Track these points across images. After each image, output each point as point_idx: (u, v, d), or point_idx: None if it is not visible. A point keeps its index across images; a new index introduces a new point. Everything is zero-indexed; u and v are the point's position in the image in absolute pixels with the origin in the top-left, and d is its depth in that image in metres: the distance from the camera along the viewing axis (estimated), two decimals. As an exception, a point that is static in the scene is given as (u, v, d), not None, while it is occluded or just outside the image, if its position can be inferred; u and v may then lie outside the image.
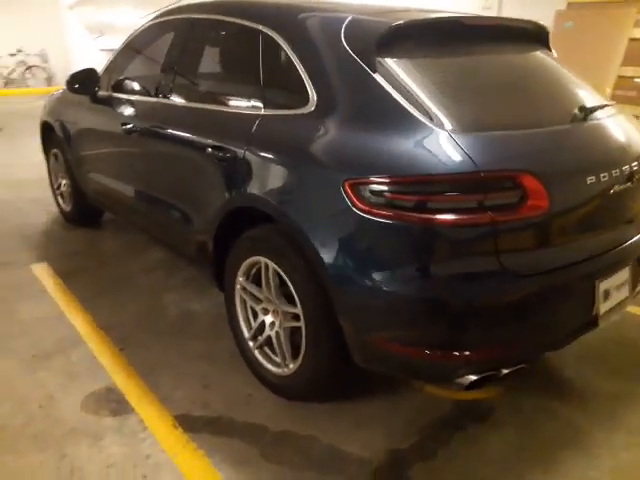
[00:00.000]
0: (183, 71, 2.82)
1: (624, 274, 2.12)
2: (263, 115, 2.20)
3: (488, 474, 1.94)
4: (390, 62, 1.90)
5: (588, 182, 1.83)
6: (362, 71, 1.90)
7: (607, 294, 2.03)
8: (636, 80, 7.26)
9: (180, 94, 2.76)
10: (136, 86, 3.02)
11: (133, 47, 3.37)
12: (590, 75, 7.22)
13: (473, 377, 1.79)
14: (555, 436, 2.13)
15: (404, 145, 1.75)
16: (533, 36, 2.48)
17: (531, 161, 1.74)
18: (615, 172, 1.92)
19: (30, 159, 6.00)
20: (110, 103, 3.25)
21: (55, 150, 4.22)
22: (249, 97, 2.32)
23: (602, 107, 2.16)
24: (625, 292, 2.15)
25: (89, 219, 4.23)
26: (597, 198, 1.91)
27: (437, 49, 2.02)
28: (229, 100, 2.50)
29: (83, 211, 4.11)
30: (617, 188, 1.95)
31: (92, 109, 3.45)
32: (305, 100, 2.03)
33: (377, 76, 1.87)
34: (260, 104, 2.24)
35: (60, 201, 4.40)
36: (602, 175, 1.87)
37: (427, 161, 1.69)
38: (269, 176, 2.10)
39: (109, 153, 3.37)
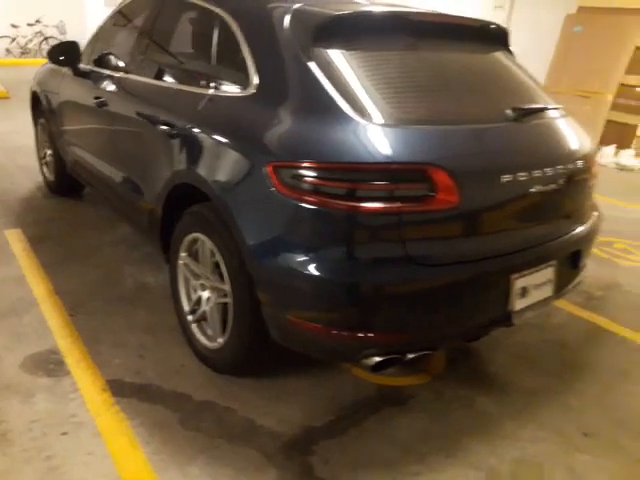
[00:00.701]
0: (148, 48, 2.89)
1: (547, 273, 2.17)
2: (210, 95, 2.28)
3: (391, 455, 2.03)
4: (326, 52, 1.95)
5: (503, 180, 1.88)
6: (298, 59, 1.95)
7: (525, 291, 2.08)
8: (638, 89, 7.19)
9: (142, 70, 2.84)
10: (110, 61, 3.10)
11: (114, 22, 3.46)
12: (593, 80, 7.24)
13: (378, 359, 1.87)
14: (466, 424, 2.20)
15: (325, 133, 1.81)
16: (491, 36, 2.51)
17: (444, 156, 1.79)
18: (537, 173, 1.96)
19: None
20: (88, 76, 3.33)
21: (42, 120, 4.33)
22: (202, 77, 2.39)
23: (542, 109, 2.20)
24: (548, 291, 2.20)
25: (70, 190, 4.34)
26: (513, 196, 1.95)
27: (378, 42, 2.06)
28: (184, 78, 2.57)
29: (64, 182, 4.22)
30: (539, 188, 1.99)
31: (73, 81, 3.54)
32: (247, 83, 2.10)
33: (312, 65, 1.93)
34: (210, 84, 2.32)
35: (45, 170, 4.52)
36: (520, 175, 1.92)
37: (343, 150, 1.75)
38: (206, 155, 2.17)
39: (83, 125, 3.47)
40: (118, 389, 2.25)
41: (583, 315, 3.15)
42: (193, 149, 2.25)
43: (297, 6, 2.14)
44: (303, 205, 1.76)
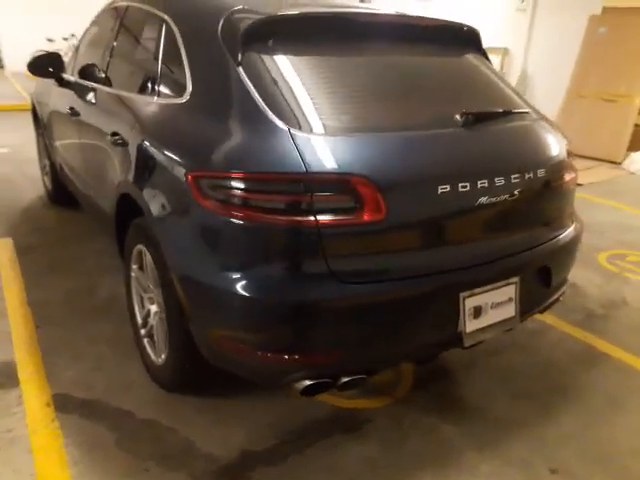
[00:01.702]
0: (109, 57, 2.88)
1: (507, 291, 1.99)
2: (151, 102, 2.22)
3: (330, 485, 1.89)
4: (256, 57, 1.84)
5: (440, 192, 1.72)
6: (227, 65, 1.86)
7: (479, 311, 1.91)
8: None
9: (102, 79, 2.82)
10: (83, 71, 3.10)
11: (90, 33, 3.47)
12: (619, 83, 6.86)
13: (308, 382, 1.74)
14: (422, 454, 2.03)
15: (245, 141, 1.71)
16: (456, 38, 2.35)
17: (370, 167, 1.65)
18: (483, 183, 1.80)
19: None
20: (67, 87, 3.35)
21: (40, 130, 4.41)
22: (147, 84, 2.34)
23: (497, 114, 2.04)
24: (510, 311, 2.01)
25: (67, 199, 4.38)
26: (456, 209, 1.79)
27: (315, 45, 1.94)
28: (132, 86, 2.52)
29: (60, 191, 4.27)
30: (489, 200, 1.82)
31: (57, 92, 3.57)
32: (183, 90, 2.02)
33: (239, 70, 1.83)
34: (153, 91, 2.26)
35: (46, 180, 4.60)
36: (463, 185, 1.76)
37: (259, 159, 1.64)
38: (140, 165, 2.11)
39: (62, 135, 3.50)
40: (62, 404, 2.20)
41: (578, 335, 2.90)
42: (131, 158, 2.19)
43: (233, 9, 2.03)
44: (218, 217, 1.65)
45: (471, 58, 2.35)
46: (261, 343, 1.71)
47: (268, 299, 1.64)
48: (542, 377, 2.54)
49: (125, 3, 2.90)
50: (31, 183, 5.07)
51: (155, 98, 2.22)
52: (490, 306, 1.95)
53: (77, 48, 3.61)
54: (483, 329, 1.95)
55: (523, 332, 2.90)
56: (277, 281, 1.64)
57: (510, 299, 2.00)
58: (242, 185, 1.62)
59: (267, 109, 1.72)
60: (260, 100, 1.75)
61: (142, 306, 2.40)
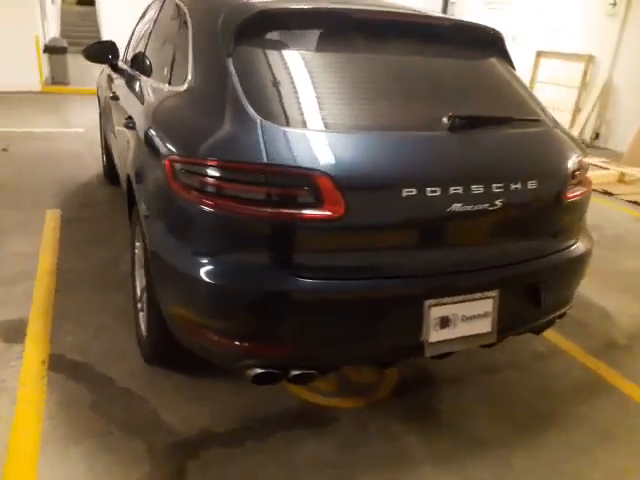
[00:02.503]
0: (145, 45, 3.04)
1: (483, 305, 1.90)
2: (163, 90, 2.32)
3: (274, 477, 1.90)
4: (245, 49, 1.88)
5: (404, 194, 1.67)
6: (220, 55, 1.91)
7: (446, 322, 1.85)
8: None
9: (137, 66, 2.98)
10: (126, 58, 3.30)
11: (142, 21, 3.68)
12: None
13: (258, 370, 1.76)
14: (376, 462, 2.00)
15: (217, 128, 1.74)
16: (477, 39, 2.26)
17: (334, 164, 1.64)
18: (457, 189, 1.73)
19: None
20: (118, 73, 3.58)
21: (100, 112, 4.74)
22: (164, 72, 2.45)
23: (492, 119, 1.95)
24: (484, 327, 1.92)
25: (116, 177, 4.68)
26: (423, 213, 1.73)
27: (306, 40, 1.94)
28: (154, 74, 2.64)
29: (111, 169, 4.56)
30: (465, 208, 1.75)
31: (109, 78, 3.82)
32: (184, 79, 2.11)
33: (229, 61, 1.87)
34: (166, 80, 2.36)
35: (103, 159, 4.93)
36: (430, 190, 1.69)
37: (225, 147, 1.68)
38: (139, 148, 2.22)
39: (108, 117, 3.74)
40: (56, 364, 2.37)
41: (590, 364, 2.70)
42: (134, 141, 2.31)
43: (237, 1, 2.09)
44: (184, 200, 1.71)
45: (485, 61, 2.24)
46: (214, 327, 1.76)
47: (220, 285, 1.67)
48: (533, 402, 2.39)
49: (165, -7, 3.05)
50: (95, 161, 5.45)
51: (166, 86, 2.32)
52: (461, 318, 1.87)
53: (130, 36, 3.84)
54: (450, 341, 1.87)
55: (527, 353, 2.75)
56: (230, 268, 1.68)
57: (486, 313, 1.91)
58: (205, 171, 1.67)
59: (245, 100, 1.76)
60: (240, 91, 1.79)
61: (141, 281, 2.53)
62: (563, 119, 8.77)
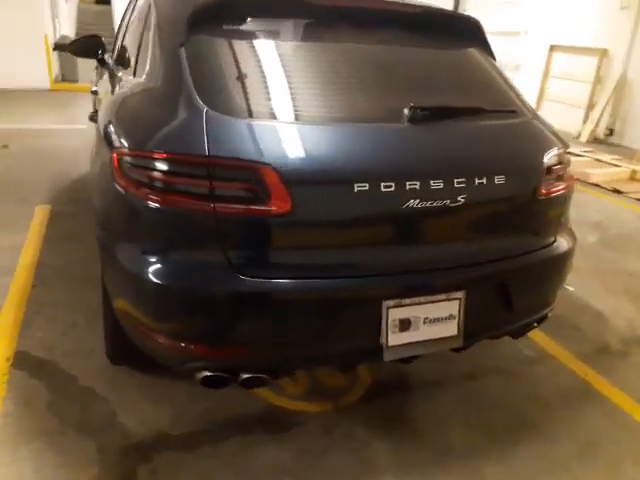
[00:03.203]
0: (122, 39, 2.97)
1: (448, 307, 1.79)
2: (130, 83, 2.25)
3: (224, 481, 1.82)
4: (198, 38, 1.78)
5: (356, 189, 1.57)
6: (174, 45, 1.82)
7: (406, 324, 1.74)
8: None
9: (115, 60, 2.92)
10: (106, 53, 3.25)
11: (124, 15, 3.62)
12: None
13: (206, 373, 1.68)
14: (335, 470, 1.90)
15: (164, 119, 1.65)
16: (452, 28, 2.14)
17: (280, 156, 1.54)
18: (413, 185, 1.62)
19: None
20: (104, 67, 3.53)
21: (95, 108, 4.71)
22: (133, 65, 2.37)
23: (458, 110, 1.84)
24: (450, 330, 1.81)
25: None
26: (379, 210, 1.63)
27: (268, 28, 1.85)
28: (122, 66, 2.58)
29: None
30: (420, 204, 1.64)
31: (97, 73, 3.78)
32: (144, 70, 2.03)
33: (182, 51, 1.78)
34: (132, 72, 2.29)
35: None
36: (384, 185, 1.59)
37: (169, 138, 1.59)
38: (97, 142, 2.16)
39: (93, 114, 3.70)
40: (20, 361, 2.32)
41: (579, 370, 2.56)
42: (96, 136, 2.26)
43: None
44: (127, 195, 1.63)
45: (462, 51, 2.13)
46: (160, 328, 1.68)
47: (160, 282, 1.59)
48: (514, 410, 2.27)
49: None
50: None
51: (130, 78, 2.26)
52: (423, 321, 1.77)
53: (117, 29, 3.79)
54: (411, 345, 1.77)
55: (514, 357, 2.62)
56: (175, 267, 1.59)
57: (451, 316, 1.80)
58: (147, 164, 1.59)
59: (193, 90, 1.67)
60: (190, 81, 1.70)
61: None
62: (576, 115, 8.52)
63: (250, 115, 1.63)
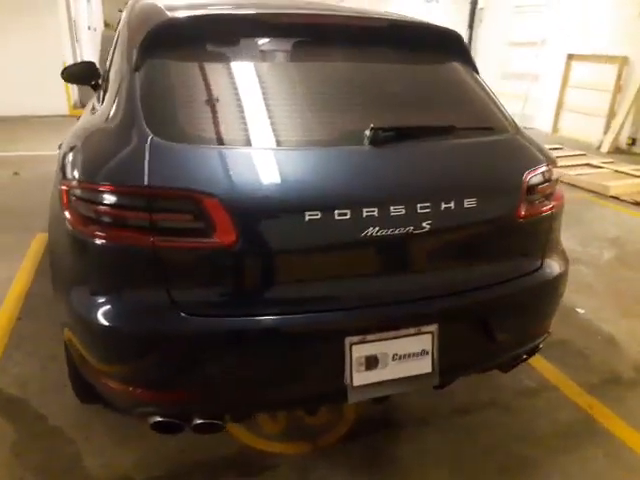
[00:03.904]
0: (108, 64, 2.94)
1: (420, 342, 1.65)
2: (95, 110, 2.19)
3: (185, 535, 1.70)
4: (152, 61, 1.69)
5: (307, 218, 1.45)
6: (128, 69, 1.76)
7: (374, 362, 1.60)
8: None
9: (99, 86, 2.89)
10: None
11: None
12: None
13: (158, 418, 1.58)
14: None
15: (110, 148, 1.57)
16: (429, 42, 2.02)
17: (222, 184, 1.44)
18: (370, 212, 1.49)
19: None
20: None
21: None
22: (101, 91, 2.31)
23: (427, 130, 1.72)
24: (423, 367, 1.67)
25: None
26: (329, 239, 1.51)
27: (223, 48, 1.76)
28: (99, 94, 2.53)
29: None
30: (380, 232, 1.51)
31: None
32: (105, 97, 1.97)
33: (135, 75, 1.70)
34: (101, 98, 2.23)
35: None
36: (338, 213, 1.47)
37: (111, 168, 1.50)
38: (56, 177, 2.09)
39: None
40: (-9, 398, 2.27)
41: (581, 402, 2.36)
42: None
43: (155, 12, 1.89)
44: (71, 229, 1.55)
45: (438, 65, 2.01)
46: (104, 370, 1.58)
47: (101, 323, 1.49)
48: (507, 449, 2.09)
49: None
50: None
51: (97, 105, 2.20)
52: (392, 357, 1.63)
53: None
54: (380, 384, 1.62)
55: (512, 389, 2.44)
56: (112, 305, 1.49)
57: (424, 352, 1.66)
58: (87, 196, 1.50)
59: (142, 116, 1.59)
60: (139, 107, 1.62)
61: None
62: (597, 125, 8.23)
63: (197, 141, 1.53)
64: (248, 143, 1.56)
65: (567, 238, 4.35)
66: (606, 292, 3.45)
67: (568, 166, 6.39)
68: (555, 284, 1.90)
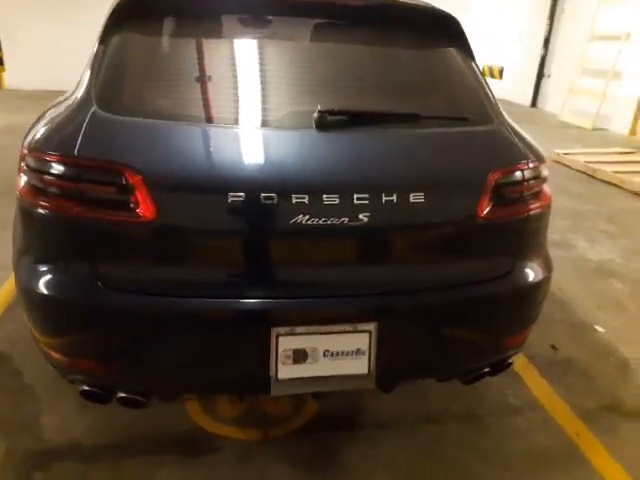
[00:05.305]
0: None
1: (355, 341, 1.55)
2: None
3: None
4: (116, 35, 1.68)
5: (230, 200, 1.39)
6: (98, 42, 1.77)
7: (302, 356, 1.53)
8: None
9: None
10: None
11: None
12: None
13: (84, 387, 1.60)
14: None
15: (60, 119, 1.59)
16: (420, 25, 1.88)
17: (146, 158, 1.42)
18: (300, 199, 1.41)
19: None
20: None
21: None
22: None
23: (379, 115, 1.60)
24: (358, 367, 1.57)
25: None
26: (253, 223, 1.45)
27: (189, 24, 1.71)
28: None
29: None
30: (310, 221, 1.42)
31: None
32: None
33: (99, 48, 1.71)
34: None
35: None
36: (264, 196, 1.40)
37: (52, 137, 1.52)
38: None
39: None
40: None
41: (569, 428, 2.14)
42: None
43: None
44: (18, 198, 1.58)
45: (424, 50, 1.86)
46: (37, 334, 1.62)
47: (29, 288, 1.52)
48: (466, 469, 1.93)
49: None
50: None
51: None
52: (323, 353, 1.54)
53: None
54: (308, 380, 1.55)
55: (493, 404, 2.26)
56: (42, 272, 1.51)
57: (359, 351, 1.56)
58: (28, 164, 1.53)
59: (91, 88, 1.60)
60: (93, 79, 1.63)
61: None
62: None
63: (140, 115, 1.52)
64: (188, 119, 1.52)
65: (609, 249, 4.05)
66: (636, 312, 3.13)
67: (636, 172, 5.87)
68: (527, 293, 1.72)
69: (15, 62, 9.66)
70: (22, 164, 1.58)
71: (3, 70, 9.79)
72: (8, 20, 9.44)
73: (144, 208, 1.40)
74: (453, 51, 1.90)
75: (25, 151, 1.56)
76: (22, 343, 2.47)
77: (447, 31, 1.90)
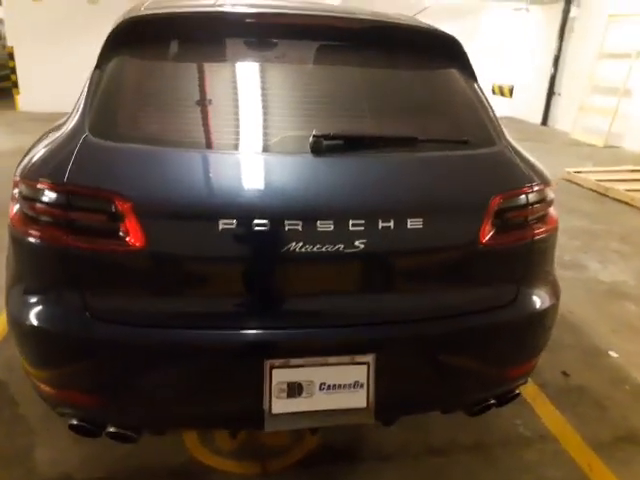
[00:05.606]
0: None
1: (353, 373, 1.49)
2: None
3: None
4: (112, 59, 1.66)
5: (221, 227, 1.35)
6: (95, 65, 1.76)
7: (297, 390, 1.47)
8: None
9: None
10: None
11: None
12: None
13: (74, 421, 1.55)
14: None
15: (53, 145, 1.57)
16: (419, 46, 1.84)
17: (137, 186, 1.38)
18: (293, 225, 1.36)
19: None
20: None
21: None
22: None
23: (374, 140, 1.56)
24: (357, 401, 1.51)
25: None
26: (245, 251, 1.41)
27: (184, 47, 1.69)
28: None
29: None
30: (304, 248, 1.38)
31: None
32: None
33: (95, 73, 1.70)
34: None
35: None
36: (256, 223, 1.35)
37: (38, 166, 1.50)
38: None
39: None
40: None
41: (581, 460, 2.04)
42: None
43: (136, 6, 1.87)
44: (9, 227, 1.56)
45: (424, 72, 1.82)
46: (27, 365, 1.58)
47: (18, 319, 1.49)
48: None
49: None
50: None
51: None
52: (319, 387, 1.48)
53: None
54: (303, 414, 1.49)
55: (504, 435, 2.17)
56: (31, 303, 1.47)
57: (358, 384, 1.50)
58: (18, 191, 1.51)
59: (85, 114, 1.58)
60: (88, 104, 1.61)
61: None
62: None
63: (132, 141, 1.49)
64: (179, 144, 1.48)
65: (622, 270, 3.94)
66: (651, 334, 3.03)
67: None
68: (532, 322, 1.65)
69: (29, 85, 9.86)
70: (14, 191, 1.56)
71: (18, 93, 9.98)
72: (24, 46, 9.68)
73: (134, 236, 1.37)
74: (455, 73, 1.86)
75: (17, 178, 1.53)
76: (19, 371, 2.38)
77: (448, 53, 1.86)
